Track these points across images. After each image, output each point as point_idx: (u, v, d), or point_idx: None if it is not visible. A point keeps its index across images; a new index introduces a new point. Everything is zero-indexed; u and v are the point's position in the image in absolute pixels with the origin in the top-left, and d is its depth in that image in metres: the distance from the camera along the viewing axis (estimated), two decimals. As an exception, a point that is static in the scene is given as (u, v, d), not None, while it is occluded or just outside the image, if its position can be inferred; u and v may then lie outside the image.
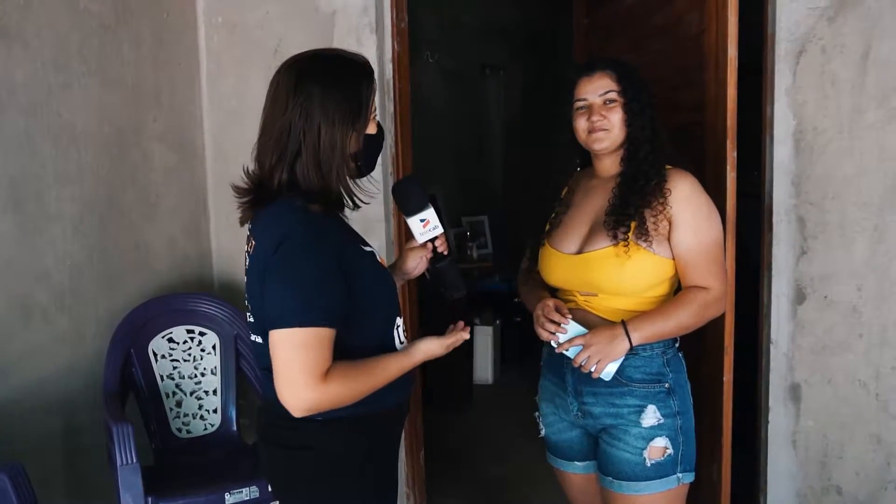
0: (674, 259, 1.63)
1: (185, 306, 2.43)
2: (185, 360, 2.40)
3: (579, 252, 1.68)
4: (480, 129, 5.23)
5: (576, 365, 1.61)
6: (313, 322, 1.24)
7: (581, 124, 1.69)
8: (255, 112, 1.38)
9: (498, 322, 4.45)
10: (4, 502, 1.58)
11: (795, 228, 2.17)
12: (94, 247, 2.23)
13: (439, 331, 1.47)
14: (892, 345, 2.09)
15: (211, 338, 2.43)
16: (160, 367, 2.36)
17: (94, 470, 2.19)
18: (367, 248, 1.42)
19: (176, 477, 2.15)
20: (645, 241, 1.60)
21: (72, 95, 2.14)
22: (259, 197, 1.36)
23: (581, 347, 1.60)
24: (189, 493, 2.02)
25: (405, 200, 1.51)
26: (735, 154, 1.98)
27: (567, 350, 1.62)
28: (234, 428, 2.41)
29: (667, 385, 1.65)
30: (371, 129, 1.38)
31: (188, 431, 2.37)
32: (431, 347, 1.42)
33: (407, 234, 1.63)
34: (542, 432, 1.85)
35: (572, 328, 1.62)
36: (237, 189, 1.39)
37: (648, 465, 1.62)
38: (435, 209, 1.52)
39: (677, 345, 1.71)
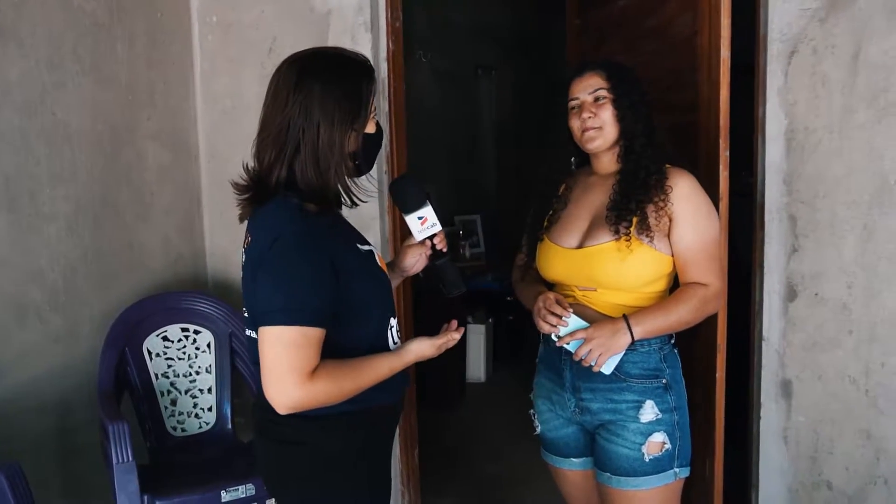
0: (673, 255, 1.65)
1: (179, 305, 2.42)
2: (179, 359, 2.40)
3: (580, 246, 1.69)
4: (473, 128, 5.24)
5: (577, 358, 1.62)
6: (302, 321, 1.24)
7: (575, 124, 1.71)
8: (249, 111, 1.39)
9: (490, 320, 4.46)
10: (2, 503, 1.57)
11: (787, 227, 2.19)
12: (88, 246, 2.22)
13: (432, 330, 1.47)
14: (880, 341, 2.12)
15: (205, 336, 2.43)
16: (155, 366, 2.35)
17: (89, 469, 2.18)
18: (366, 247, 1.42)
19: (171, 475, 2.15)
20: (646, 236, 1.62)
21: (66, 94, 2.13)
22: (258, 194, 1.36)
23: (582, 341, 1.61)
24: (185, 492, 2.02)
25: (403, 198, 1.51)
26: (728, 154, 2.00)
27: (568, 343, 1.63)
28: (229, 426, 2.41)
29: (664, 380, 1.67)
30: (370, 129, 1.38)
31: (183, 430, 2.37)
32: (423, 348, 1.42)
33: (404, 232, 1.64)
34: (538, 430, 1.85)
35: (574, 321, 1.63)
36: (236, 186, 1.39)
37: (647, 460, 1.64)
38: (432, 207, 1.52)
39: (673, 341, 1.72)
